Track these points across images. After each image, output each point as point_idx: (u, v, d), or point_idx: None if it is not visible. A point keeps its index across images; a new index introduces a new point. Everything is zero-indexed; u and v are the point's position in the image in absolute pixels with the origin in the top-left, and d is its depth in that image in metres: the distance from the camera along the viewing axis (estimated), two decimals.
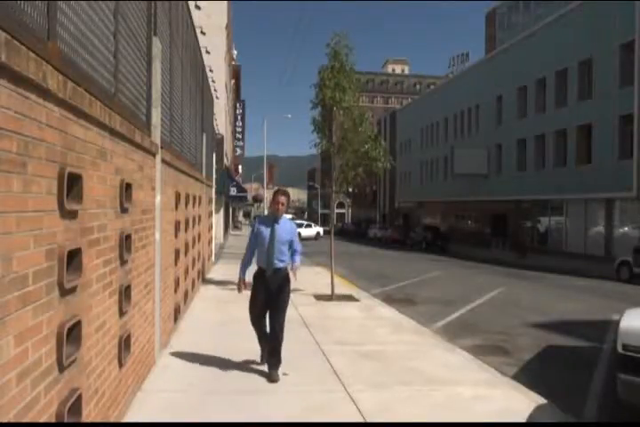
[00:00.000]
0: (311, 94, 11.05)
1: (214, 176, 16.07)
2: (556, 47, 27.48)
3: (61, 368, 2.47)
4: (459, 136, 39.47)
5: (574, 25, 26.31)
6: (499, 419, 4.25)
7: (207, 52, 20.08)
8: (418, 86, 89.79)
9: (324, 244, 15.94)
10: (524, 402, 4.74)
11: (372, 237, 44.65)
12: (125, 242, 3.74)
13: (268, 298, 5.24)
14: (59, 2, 2.38)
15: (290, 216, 45.49)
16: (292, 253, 5.48)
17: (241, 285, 5.45)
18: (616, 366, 4.75)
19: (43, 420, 2.27)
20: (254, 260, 5.43)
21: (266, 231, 5.30)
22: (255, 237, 5.37)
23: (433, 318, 9.59)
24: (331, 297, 10.27)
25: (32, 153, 2.16)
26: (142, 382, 4.69)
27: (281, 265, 5.30)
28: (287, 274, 5.39)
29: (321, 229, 44.17)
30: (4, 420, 1.93)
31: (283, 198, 5.36)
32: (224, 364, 5.55)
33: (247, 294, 5.48)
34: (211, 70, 19.06)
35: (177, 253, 7.00)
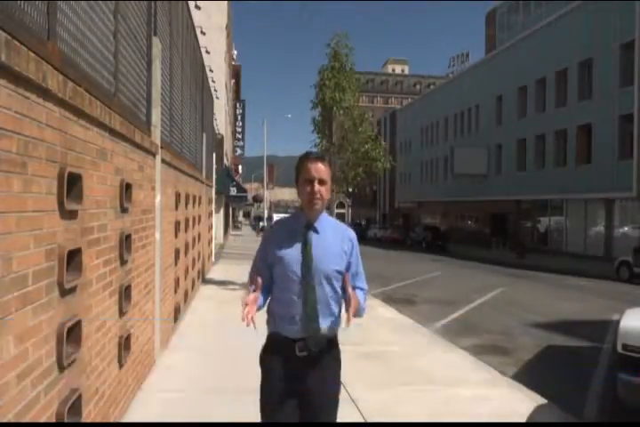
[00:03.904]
0: (311, 94, 11.09)
1: (214, 176, 16.07)
2: (556, 47, 27.47)
3: (61, 368, 2.47)
4: (459, 136, 39.47)
5: (574, 25, 26.31)
6: (499, 419, 4.25)
7: (207, 52, 20.10)
8: (418, 86, 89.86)
9: None
10: (524, 402, 4.73)
11: (371, 237, 44.65)
12: (125, 242, 3.74)
13: (302, 392, 2.39)
14: (59, 2, 2.38)
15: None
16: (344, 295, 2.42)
17: (251, 302, 2.28)
18: (616, 366, 4.75)
19: (43, 420, 2.27)
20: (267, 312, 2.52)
21: (293, 255, 2.40)
22: (272, 262, 2.44)
23: (433, 317, 9.59)
24: None
25: (32, 153, 2.15)
26: (142, 382, 4.69)
27: (330, 327, 2.43)
28: (337, 342, 2.53)
29: None
30: (4, 420, 1.93)
31: (322, 172, 2.40)
32: (224, 363, 5.54)
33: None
34: (211, 70, 19.07)
35: (177, 253, 7.00)
